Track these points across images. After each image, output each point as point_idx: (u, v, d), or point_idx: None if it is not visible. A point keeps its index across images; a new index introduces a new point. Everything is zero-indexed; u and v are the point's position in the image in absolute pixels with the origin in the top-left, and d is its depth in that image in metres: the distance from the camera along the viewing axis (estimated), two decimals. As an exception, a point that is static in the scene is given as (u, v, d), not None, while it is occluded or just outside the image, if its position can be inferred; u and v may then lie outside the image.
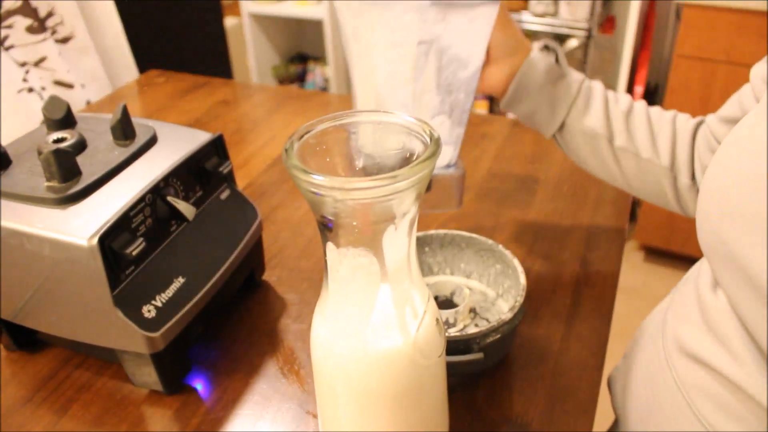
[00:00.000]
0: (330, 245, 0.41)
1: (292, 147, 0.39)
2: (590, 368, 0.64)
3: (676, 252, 2.12)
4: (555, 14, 2.16)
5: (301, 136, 0.41)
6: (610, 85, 2.27)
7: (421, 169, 0.37)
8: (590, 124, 0.72)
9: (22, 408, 0.61)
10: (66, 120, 0.63)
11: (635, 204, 2.17)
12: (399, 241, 0.41)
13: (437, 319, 0.46)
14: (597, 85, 0.74)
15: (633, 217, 2.23)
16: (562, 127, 0.74)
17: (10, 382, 0.64)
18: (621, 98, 0.74)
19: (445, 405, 0.51)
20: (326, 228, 0.40)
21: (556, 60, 0.74)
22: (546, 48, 0.76)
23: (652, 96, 2.29)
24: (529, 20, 2.19)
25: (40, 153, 0.60)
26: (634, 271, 2.18)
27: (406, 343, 0.43)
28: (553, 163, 0.98)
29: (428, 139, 0.40)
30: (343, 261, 0.41)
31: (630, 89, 2.18)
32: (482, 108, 2.48)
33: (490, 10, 0.63)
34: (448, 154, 0.71)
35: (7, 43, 1.16)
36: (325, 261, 0.42)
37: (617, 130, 0.72)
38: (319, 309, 0.45)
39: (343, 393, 0.46)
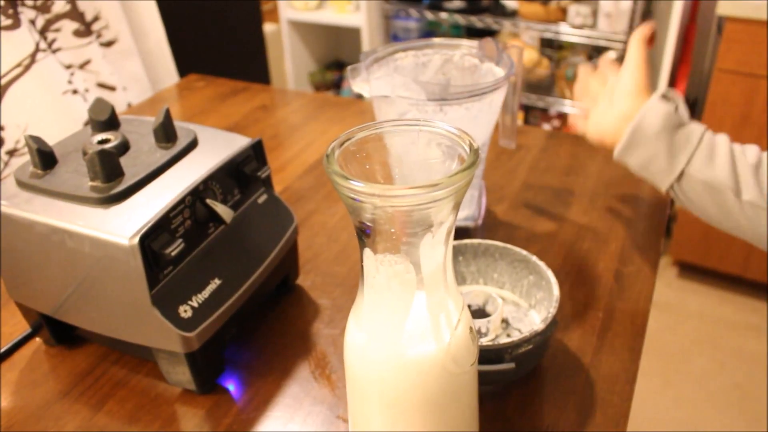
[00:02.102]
0: (367, 251, 0.41)
1: (333, 153, 0.40)
2: (622, 382, 0.64)
3: (712, 268, 2.08)
4: (593, 26, 2.14)
5: (342, 143, 0.41)
6: (648, 98, 2.24)
7: (460, 178, 0.37)
8: (714, 175, 0.70)
9: (60, 402, 0.63)
10: (110, 122, 0.65)
11: (670, 219, 2.14)
12: (436, 249, 0.41)
13: (471, 328, 0.46)
14: (721, 137, 0.72)
15: (668, 232, 2.20)
16: (680, 176, 0.72)
17: (49, 376, 0.66)
18: (748, 150, 0.72)
19: (475, 414, 0.51)
20: (364, 234, 0.40)
21: (676, 110, 0.74)
22: (665, 97, 0.75)
23: (691, 110, 2.26)
24: (567, 32, 2.18)
25: (84, 153, 0.61)
26: (667, 286, 2.15)
27: (439, 351, 0.43)
28: (588, 176, 0.97)
29: (467, 150, 0.40)
30: (379, 267, 0.42)
31: (668, 103, 2.15)
32: (518, 119, 2.47)
33: (483, 103, 0.70)
34: (464, 212, 0.81)
35: (54, 46, 1.19)
36: (362, 267, 0.43)
37: (745, 183, 0.69)
38: (354, 314, 0.46)
39: (375, 398, 0.46)
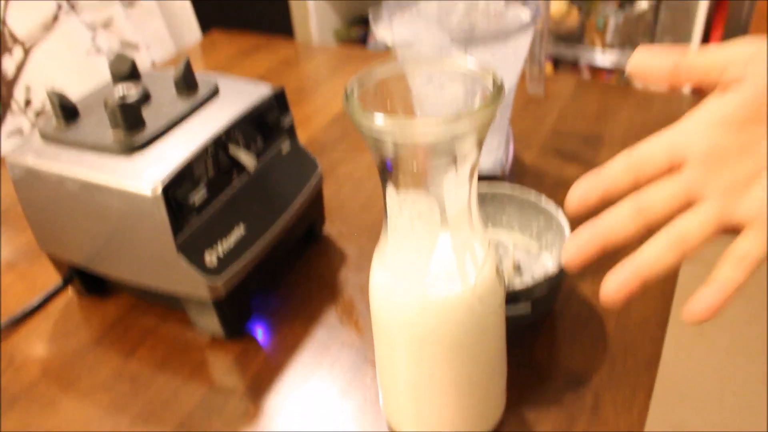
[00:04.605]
0: (390, 190, 0.41)
1: (352, 91, 0.39)
2: (653, 325, 0.63)
3: (747, 220, 2.04)
4: (624, -28, 2.08)
5: (362, 81, 0.40)
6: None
7: (484, 112, 0.37)
8: None
9: (93, 350, 0.64)
10: (131, 75, 0.65)
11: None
12: (460, 187, 0.41)
13: (497, 268, 0.45)
14: None
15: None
16: None
17: (81, 325, 0.67)
18: None
19: (503, 355, 0.51)
20: (386, 171, 0.40)
21: None
22: None
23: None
24: (597, -21, 2.12)
25: (106, 105, 0.61)
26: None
27: (465, 290, 0.43)
28: (619, 122, 0.95)
29: (491, 86, 0.39)
30: (402, 207, 0.41)
31: (702, 50, 2.09)
32: (547, 69, 2.42)
33: (508, 47, 0.69)
34: (491, 158, 0.80)
35: (76, 6, 1.19)
36: (385, 207, 0.42)
37: None
38: (378, 255, 0.46)
39: (401, 340, 0.46)
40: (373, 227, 0.76)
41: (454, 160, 0.39)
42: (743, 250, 0.38)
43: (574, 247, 0.40)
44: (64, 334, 0.66)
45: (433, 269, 0.43)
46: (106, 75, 1.19)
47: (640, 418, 0.55)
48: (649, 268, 0.38)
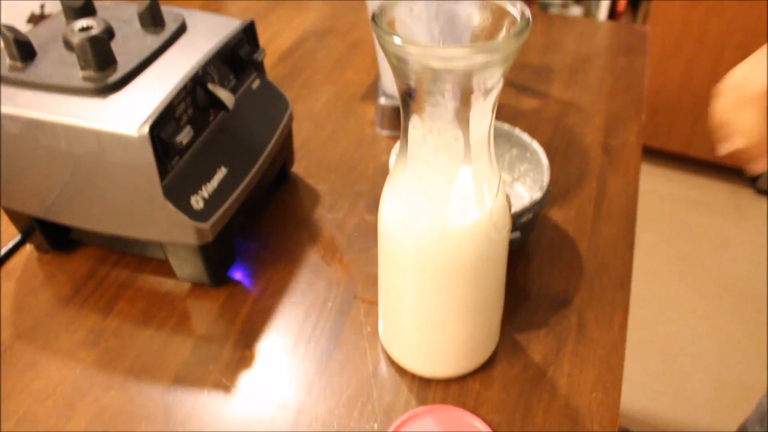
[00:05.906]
0: (414, 119, 0.40)
1: (381, 16, 0.38)
2: (623, 246, 0.66)
3: (657, 147, 2.14)
4: None
5: (385, 9, 0.39)
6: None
7: (515, 41, 0.36)
8: None
9: (65, 308, 0.61)
10: (86, 8, 0.60)
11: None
12: (484, 117, 0.40)
13: (506, 195, 0.46)
14: None
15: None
16: None
17: (48, 283, 0.63)
18: None
19: (504, 281, 0.52)
20: (410, 98, 0.39)
21: None
22: None
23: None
24: None
25: (66, 42, 0.57)
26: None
27: (482, 218, 0.43)
28: (566, 52, 0.97)
29: (518, 15, 0.39)
30: (427, 136, 0.41)
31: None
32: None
33: None
34: None
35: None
36: (406, 137, 0.42)
37: None
38: (392, 185, 0.45)
39: (415, 269, 0.46)
40: (340, 163, 0.76)
41: (481, 90, 0.39)
42: None
43: None
44: (30, 293, 0.62)
45: (453, 197, 0.43)
46: (21, 10, 1.10)
47: (621, 335, 0.58)
48: None
